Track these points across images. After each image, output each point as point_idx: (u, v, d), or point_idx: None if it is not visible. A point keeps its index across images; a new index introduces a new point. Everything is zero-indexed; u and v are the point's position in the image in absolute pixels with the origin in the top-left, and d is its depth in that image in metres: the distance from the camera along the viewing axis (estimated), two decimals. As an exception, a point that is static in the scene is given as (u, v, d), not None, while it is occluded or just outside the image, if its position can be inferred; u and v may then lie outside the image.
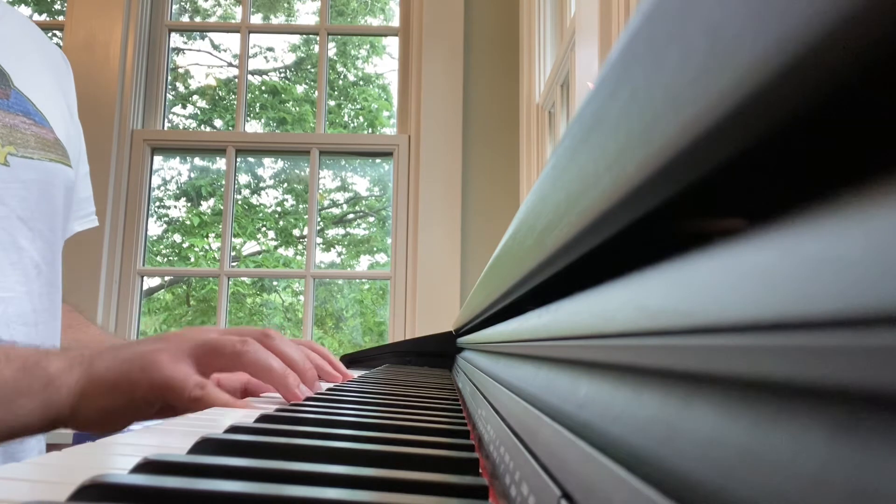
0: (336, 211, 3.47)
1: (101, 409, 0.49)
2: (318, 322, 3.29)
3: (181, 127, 3.21)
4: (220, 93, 3.35)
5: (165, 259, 3.36)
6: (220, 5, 3.36)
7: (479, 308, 0.53)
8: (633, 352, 0.13)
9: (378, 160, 2.81)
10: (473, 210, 2.07)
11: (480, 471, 0.28)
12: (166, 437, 0.36)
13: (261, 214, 3.45)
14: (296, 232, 3.42)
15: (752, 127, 0.08)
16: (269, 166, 3.44)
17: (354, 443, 0.30)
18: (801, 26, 0.07)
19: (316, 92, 2.42)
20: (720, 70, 0.08)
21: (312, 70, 3.49)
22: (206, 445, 0.28)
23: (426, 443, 0.32)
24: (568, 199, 0.17)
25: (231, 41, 3.33)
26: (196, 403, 0.49)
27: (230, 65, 3.33)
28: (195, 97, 3.40)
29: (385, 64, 3.66)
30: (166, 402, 0.50)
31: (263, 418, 0.37)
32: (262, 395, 0.60)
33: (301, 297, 2.81)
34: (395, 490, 0.23)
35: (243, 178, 3.37)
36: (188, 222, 3.31)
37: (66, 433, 1.77)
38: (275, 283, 3.66)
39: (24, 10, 3.05)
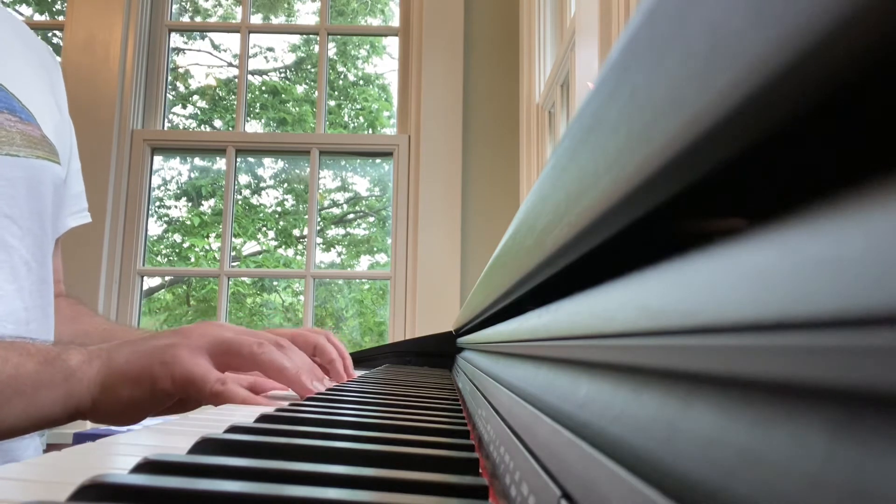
0: (336, 211, 3.47)
1: (122, 400, 0.51)
2: (319, 322, 3.29)
3: (181, 127, 3.21)
4: (220, 93, 3.35)
5: (166, 259, 3.36)
6: (220, 5, 3.36)
7: (479, 308, 0.53)
8: (632, 352, 0.13)
9: (378, 160, 2.81)
10: (473, 210, 2.07)
11: (480, 471, 0.28)
12: (167, 437, 0.36)
13: (261, 214, 3.45)
14: (296, 232, 3.42)
15: (751, 127, 0.08)
16: (269, 166, 3.44)
17: (354, 443, 0.30)
18: (801, 26, 0.07)
19: (316, 92, 2.42)
20: (720, 70, 0.08)
21: (312, 70, 3.49)
22: (206, 445, 0.28)
23: (426, 443, 0.32)
24: (568, 199, 0.17)
25: (231, 41, 3.34)
26: (217, 398, 0.51)
27: (230, 65, 3.33)
28: (195, 97, 3.39)
29: (385, 64, 3.66)
30: (187, 395, 0.52)
31: (263, 418, 0.37)
32: (269, 392, 0.61)
33: (301, 297, 2.81)
34: (395, 490, 0.23)
35: (243, 178, 3.37)
36: (188, 222, 3.31)
37: (66, 433, 1.77)
38: (275, 283, 3.66)
39: (25, 11, 3.05)
